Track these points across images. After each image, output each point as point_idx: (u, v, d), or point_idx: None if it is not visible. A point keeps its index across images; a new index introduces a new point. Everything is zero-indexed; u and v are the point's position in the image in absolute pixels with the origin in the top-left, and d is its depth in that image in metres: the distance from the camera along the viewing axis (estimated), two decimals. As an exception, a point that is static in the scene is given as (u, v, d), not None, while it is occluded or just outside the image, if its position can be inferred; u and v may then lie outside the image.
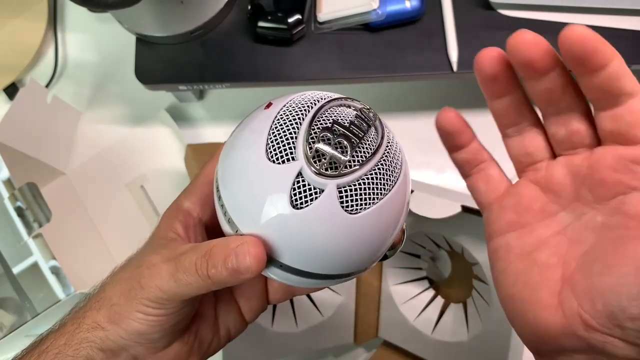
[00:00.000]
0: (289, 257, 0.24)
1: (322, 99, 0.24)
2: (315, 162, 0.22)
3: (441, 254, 0.52)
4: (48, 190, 0.55)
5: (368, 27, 0.50)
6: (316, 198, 0.22)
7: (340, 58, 0.50)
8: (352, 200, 0.23)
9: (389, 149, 0.24)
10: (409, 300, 0.50)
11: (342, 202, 0.22)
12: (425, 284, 0.52)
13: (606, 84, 0.21)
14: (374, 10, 0.48)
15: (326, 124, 0.23)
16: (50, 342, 0.27)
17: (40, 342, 0.28)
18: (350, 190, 0.23)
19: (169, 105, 0.61)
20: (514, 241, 0.25)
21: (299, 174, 0.22)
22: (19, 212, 0.51)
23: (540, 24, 0.49)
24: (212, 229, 0.30)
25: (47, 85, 0.61)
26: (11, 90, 0.62)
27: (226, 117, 0.61)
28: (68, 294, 0.49)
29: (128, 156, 0.59)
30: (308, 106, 0.24)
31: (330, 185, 0.22)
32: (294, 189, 0.22)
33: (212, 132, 0.60)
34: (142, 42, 0.52)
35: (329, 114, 0.24)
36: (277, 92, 0.60)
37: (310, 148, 0.22)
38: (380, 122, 0.25)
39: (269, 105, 0.25)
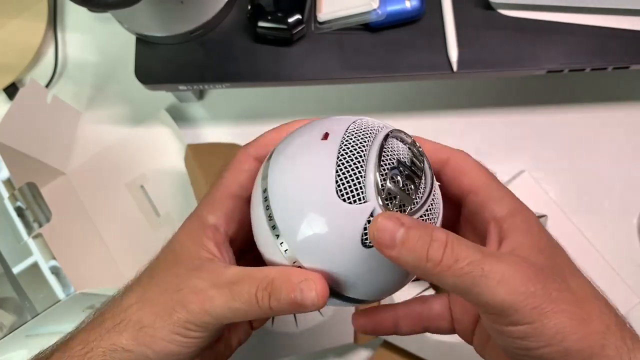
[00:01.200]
0: (353, 290, 0.25)
1: (378, 129, 0.25)
2: (387, 204, 0.23)
3: (441, 254, 0.51)
4: (48, 190, 0.55)
5: (368, 27, 0.50)
6: None
7: (340, 58, 0.50)
8: None
9: (435, 184, 0.26)
10: (409, 300, 0.50)
11: None
12: (425, 283, 0.52)
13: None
14: (374, 10, 0.48)
15: (392, 163, 0.23)
16: None
17: None
18: None
19: (169, 105, 0.61)
20: None
21: (371, 214, 0.23)
22: (19, 212, 0.51)
23: (540, 24, 0.49)
24: (236, 244, 0.29)
25: (47, 85, 0.61)
26: (11, 90, 0.61)
27: (226, 117, 0.61)
28: (68, 294, 0.49)
29: (128, 156, 0.59)
30: (368, 139, 0.24)
31: None
32: (366, 229, 0.23)
33: (212, 132, 0.60)
34: (142, 42, 0.52)
35: (390, 150, 0.24)
36: (277, 92, 0.60)
37: (382, 189, 0.23)
38: (425, 157, 0.26)
39: (325, 136, 0.24)
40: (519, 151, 0.58)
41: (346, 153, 0.24)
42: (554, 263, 0.25)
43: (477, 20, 0.50)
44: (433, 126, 0.57)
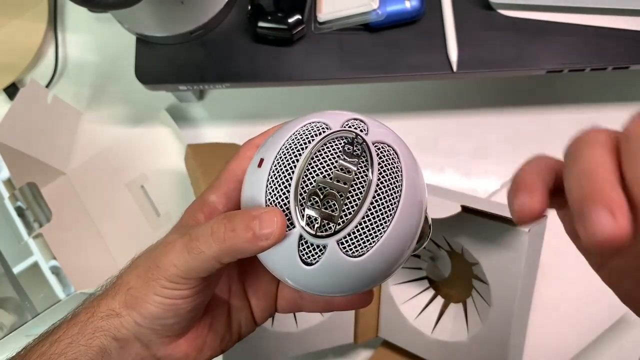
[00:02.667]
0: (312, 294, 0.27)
1: (307, 142, 0.25)
2: (311, 226, 0.24)
3: (441, 254, 0.51)
4: (48, 190, 0.55)
5: (368, 27, 0.50)
6: (322, 254, 0.24)
7: (340, 58, 0.50)
8: (355, 247, 0.24)
9: (383, 175, 0.25)
10: (409, 300, 0.50)
11: (346, 252, 0.24)
12: (425, 283, 0.52)
13: None
14: (374, 10, 0.48)
15: (312, 185, 0.24)
16: (63, 332, 0.27)
17: (53, 331, 0.28)
18: (351, 239, 0.24)
19: (169, 105, 0.61)
20: None
21: (301, 236, 0.24)
22: (19, 212, 0.51)
23: (540, 24, 0.49)
24: None
25: (47, 85, 0.61)
26: (11, 90, 0.62)
27: (226, 117, 0.61)
28: (68, 294, 0.49)
29: (128, 156, 0.59)
30: (293, 163, 0.25)
31: (330, 243, 0.24)
32: (301, 250, 0.25)
33: (212, 132, 0.60)
34: (142, 42, 0.52)
35: (315, 167, 0.25)
36: (277, 92, 0.60)
37: (302, 215, 0.24)
38: (369, 148, 0.25)
39: (260, 162, 0.26)
40: (519, 151, 0.58)
41: (272, 184, 0.25)
42: None
43: (477, 20, 0.50)
44: (433, 126, 0.58)
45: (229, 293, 0.31)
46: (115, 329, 0.27)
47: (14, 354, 0.29)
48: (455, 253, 0.50)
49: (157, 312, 0.26)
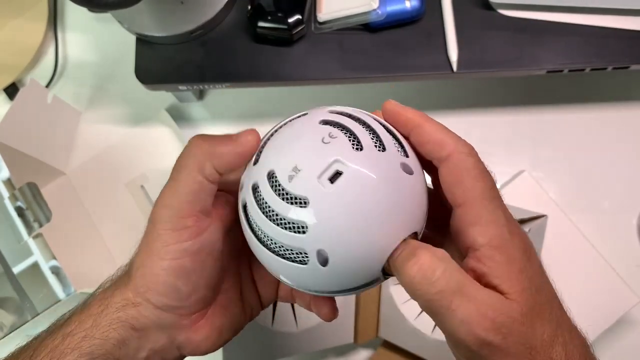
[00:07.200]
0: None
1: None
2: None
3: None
4: (48, 190, 0.55)
5: (368, 27, 0.50)
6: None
7: (340, 58, 0.50)
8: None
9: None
10: (409, 300, 0.50)
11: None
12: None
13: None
14: (374, 10, 0.48)
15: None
16: (75, 325, 0.27)
17: (64, 324, 0.27)
18: None
19: (169, 105, 0.61)
20: None
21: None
22: (19, 212, 0.51)
23: (540, 24, 0.49)
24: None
25: (47, 85, 0.61)
26: (11, 90, 0.61)
27: (226, 117, 0.61)
28: (68, 294, 0.49)
29: (128, 156, 0.59)
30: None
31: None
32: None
33: (212, 132, 0.60)
34: (142, 42, 0.52)
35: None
36: (277, 92, 0.60)
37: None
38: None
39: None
40: (519, 151, 0.58)
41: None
42: (527, 311, 0.23)
43: (477, 20, 0.50)
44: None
45: (239, 277, 0.32)
46: (134, 318, 0.26)
47: (23, 345, 0.28)
48: (455, 253, 0.50)
49: (168, 279, 0.26)
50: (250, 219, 0.26)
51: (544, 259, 0.46)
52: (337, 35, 0.50)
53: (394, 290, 0.50)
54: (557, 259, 0.49)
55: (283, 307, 0.49)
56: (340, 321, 0.49)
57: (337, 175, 0.24)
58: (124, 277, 0.28)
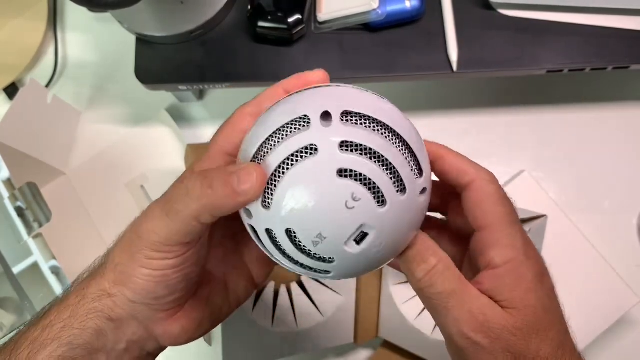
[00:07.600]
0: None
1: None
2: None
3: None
4: (48, 190, 0.55)
5: (368, 27, 0.50)
6: None
7: (340, 58, 0.50)
8: None
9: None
10: (409, 300, 0.50)
11: None
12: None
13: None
14: (374, 10, 0.48)
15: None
16: (54, 316, 0.27)
17: (43, 316, 0.27)
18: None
19: (169, 105, 0.61)
20: None
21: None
22: (19, 212, 0.51)
23: (540, 24, 0.49)
24: None
25: (47, 85, 0.61)
26: (11, 90, 0.61)
27: (226, 117, 0.61)
28: (68, 294, 0.49)
29: (128, 156, 0.59)
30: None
31: None
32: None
33: (212, 132, 0.60)
34: (142, 42, 0.52)
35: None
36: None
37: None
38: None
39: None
40: (519, 151, 0.58)
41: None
42: (523, 325, 0.25)
43: (477, 20, 0.50)
44: (433, 126, 0.58)
45: (224, 264, 0.31)
46: (109, 309, 0.26)
47: (6, 340, 0.28)
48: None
49: (148, 285, 0.26)
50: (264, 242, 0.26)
51: (543, 259, 0.46)
52: (337, 35, 0.50)
53: (394, 290, 0.50)
54: (557, 259, 0.49)
55: (283, 307, 0.49)
56: (340, 321, 0.50)
57: (363, 236, 0.24)
58: (101, 268, 0.27)
